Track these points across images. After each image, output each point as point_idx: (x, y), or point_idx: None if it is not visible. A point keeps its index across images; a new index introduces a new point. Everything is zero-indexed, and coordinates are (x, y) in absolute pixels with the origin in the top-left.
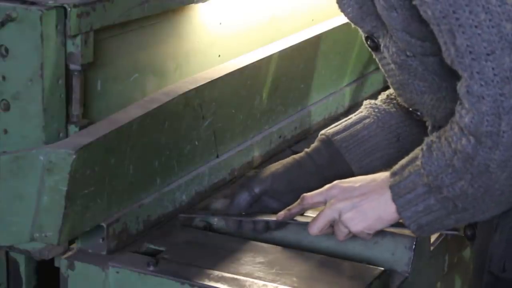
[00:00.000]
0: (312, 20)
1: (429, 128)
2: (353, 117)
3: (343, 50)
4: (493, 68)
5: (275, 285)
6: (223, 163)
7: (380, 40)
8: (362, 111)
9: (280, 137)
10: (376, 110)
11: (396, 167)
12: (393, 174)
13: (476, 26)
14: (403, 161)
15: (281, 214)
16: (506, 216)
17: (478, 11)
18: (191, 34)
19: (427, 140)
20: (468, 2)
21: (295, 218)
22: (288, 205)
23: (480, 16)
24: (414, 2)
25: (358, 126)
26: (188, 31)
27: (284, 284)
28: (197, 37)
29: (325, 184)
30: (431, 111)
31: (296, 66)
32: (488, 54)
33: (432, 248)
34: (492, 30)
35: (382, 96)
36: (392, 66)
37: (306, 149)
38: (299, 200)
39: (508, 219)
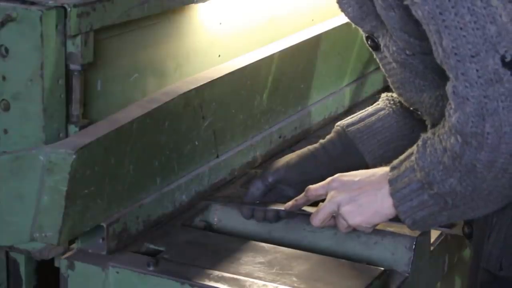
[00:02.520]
0: (312, 20)
1: (429, 126)
2: (369, 109)
3: (343, 50)
4: (477, 70)
5: (275, 285)
6: (223, 163)
7: (380, 39)
8: (378, 103)
9: (280, 137)
10: (392, 102)
11: (395, 161)
12: (392, 168)
13: (461, 28)
14: (402, 156)
15: (289, 204)
16: (503, 214)
17: (463, 13)
18: (191, 34)
19: (423, 136)
20: (454, 3)
21: (303, 209)
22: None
23: (465, 18)
24: (405, 2)
25: (373, 118)
26: (188, 31)
27: (284, 284)
28: (197, 37)
29: None
30: (430, 110)
31: (296, 66)
32: (472, 56)
33: (432, 248)
34: (476, 32)
35: None
36: (394, 65)
37: (321, 140)
38: (304, 192)
39: (504, 218)
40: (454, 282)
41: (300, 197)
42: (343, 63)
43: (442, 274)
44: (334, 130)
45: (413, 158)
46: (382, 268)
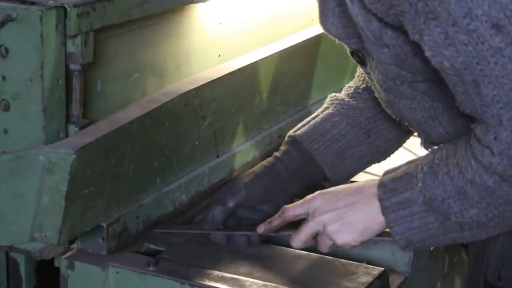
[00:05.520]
0: (312, 20)
1: (421, 141)
2: (320, 114)
3: (343, 50)
4: None
5: (275, 285)
6: (223, 163)
7: (367, 60)
8: (328, 107)
9: (280, 137)
10: (345, 107)
11: (384, 178)
12: (382, 186)
13: (503, 76)
14: (394, 174)
15: (261, 226)
16: None
17: (504, 62)
18: (191, 34)
19: (426, 159)
20: (493, 53)
21: (276, 231)
22: (265, 215)
23: (507, 67)
24: (426, 54)
25: (327, 125)
26: (188, 31)
27: (284, 284)
28: (197, 37)
29: (300, 188)
30: (424, 128)
31: (296, 66)
32: None
33: (432, 248)
34: None
35: (349, 90)
36: (378, 87)
37: (275, 153)
38: (279, 212)
39: None
40: (454, 282)
41: (275, 218)
42: (343, 63)
43: (442, 274)
44: (286, 141)
45: (417, 183)
46: (382, 268)
